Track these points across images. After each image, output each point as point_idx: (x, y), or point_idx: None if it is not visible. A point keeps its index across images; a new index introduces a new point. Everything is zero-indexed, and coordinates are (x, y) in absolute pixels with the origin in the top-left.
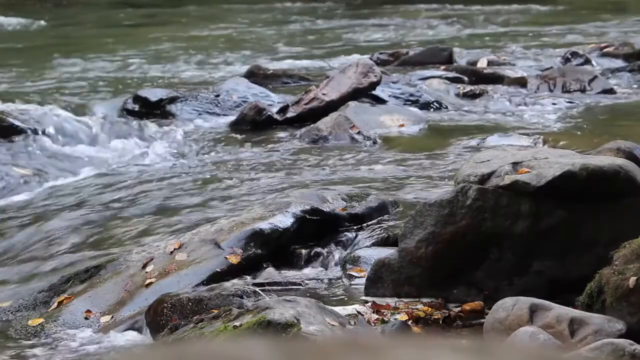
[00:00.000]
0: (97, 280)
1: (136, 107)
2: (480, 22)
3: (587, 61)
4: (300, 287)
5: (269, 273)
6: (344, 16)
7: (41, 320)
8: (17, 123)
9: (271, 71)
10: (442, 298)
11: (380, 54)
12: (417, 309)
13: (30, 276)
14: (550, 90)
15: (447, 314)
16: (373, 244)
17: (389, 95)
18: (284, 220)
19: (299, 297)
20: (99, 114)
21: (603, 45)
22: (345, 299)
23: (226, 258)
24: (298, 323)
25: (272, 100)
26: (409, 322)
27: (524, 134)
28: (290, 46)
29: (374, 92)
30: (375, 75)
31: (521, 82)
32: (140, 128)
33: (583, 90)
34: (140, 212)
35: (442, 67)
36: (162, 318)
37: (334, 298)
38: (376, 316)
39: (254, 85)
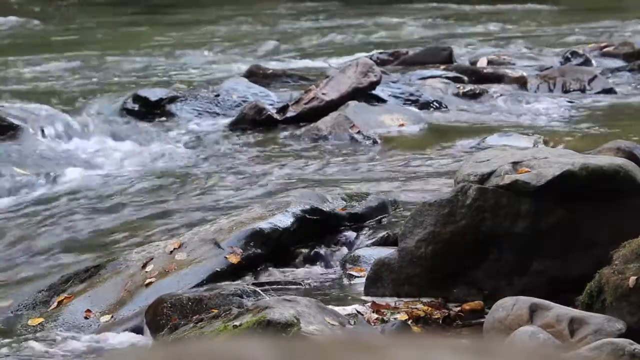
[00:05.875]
0: (97, 279)
1: (136, 107)
2: (480, 22)
3: (587, 61)
4: (300, 286)
5: (269, 272)
6: (343, 15)
7: (41, 319)
8: (16, 122)
9: (271, 71)
10: (442, 298)
11: (380, 53)
12: (417, 308)
13: (30, 276)
14: (550, 90)
15: (447, 314)
16: (373, 244)
17: (389, 95)
18: (283, 220)
19: (299, 296)
20: (99, 113)
21: (603, 45)
22: (345, 298)
23: (226, 258)
24: (298, 322)
25: (272, 100)
26: (409, 322)
27: (524, 134)
28: (289, 46)
29: (373, 92)
30: (375, 75)
31: (521, 82)
32: (140, 128)
33: (583, 90)
34: (140, 212)
35: (442, 66)
36: (162, 317)
37: (334, 298)
38: (376, 316)
39: (253, 85)
